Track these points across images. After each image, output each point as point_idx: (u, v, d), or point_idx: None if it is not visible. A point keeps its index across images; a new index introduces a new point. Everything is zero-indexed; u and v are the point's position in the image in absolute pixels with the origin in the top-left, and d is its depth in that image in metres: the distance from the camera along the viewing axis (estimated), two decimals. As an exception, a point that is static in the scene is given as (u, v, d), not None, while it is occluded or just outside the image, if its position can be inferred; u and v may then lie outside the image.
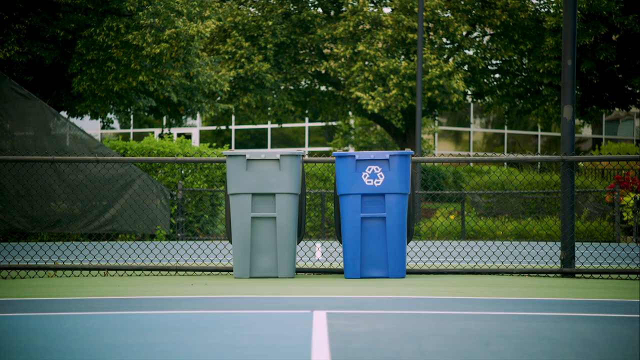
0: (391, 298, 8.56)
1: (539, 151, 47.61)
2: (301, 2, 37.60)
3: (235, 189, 10.83)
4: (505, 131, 48.05)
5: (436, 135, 46.20)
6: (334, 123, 43.09)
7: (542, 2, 37.14)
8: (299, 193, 10.96)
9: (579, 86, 35.35)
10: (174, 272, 11.77)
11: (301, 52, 37.49)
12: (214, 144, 33.91)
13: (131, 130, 49.55)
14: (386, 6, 37.76)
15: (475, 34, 38.75)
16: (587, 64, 33.98)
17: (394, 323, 6.56)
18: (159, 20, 25.23)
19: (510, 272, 11.41)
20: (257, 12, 37.24)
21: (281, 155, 10.81)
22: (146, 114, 31.59)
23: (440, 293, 8.97)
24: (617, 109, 41.16)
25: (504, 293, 9.11)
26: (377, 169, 10.76)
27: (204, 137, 48.21)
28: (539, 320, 6.82)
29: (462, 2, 36.48)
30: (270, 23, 36.04)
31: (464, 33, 37.26)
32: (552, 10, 35.59)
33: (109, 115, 30.76)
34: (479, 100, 40.34)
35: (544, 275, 11.34)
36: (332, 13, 38.22)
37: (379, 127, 44.06)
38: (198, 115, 37.95)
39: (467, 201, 29.02)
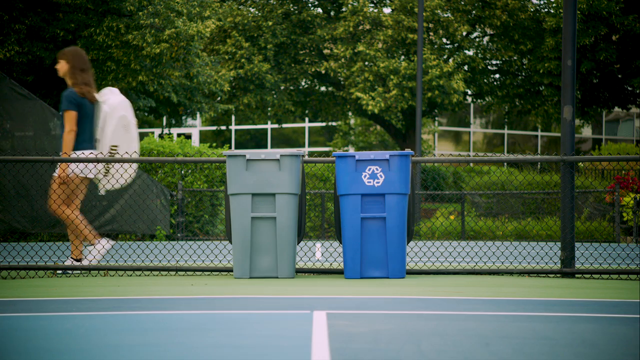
0: (391, 298, 8.56)
1: (539, 151, 47.62)
2: (301, 2, 37.60)
3: (235, 189, 10.83)
4: (505, 131, 48.05)
5: (436, 135, 46.21)
6: (334, 123, 43.10)
7: (542, 2, 37.15)
8: (299, 193, 10.96)
9: (579, 86, 35.36)
10: (174, 272, 11.77)
11: (301, 52, 37.49)
12: (214, 144, 33.92)
13: (131, 131, 49.51)
14: (386, 6, 37.76)
15: (475, 34, 38.76)
16: (587, 64, 33.98)
17: (394, 323, 6.56)
18: (159, 20, 25.23)
19: (510, 272, 11.41)
20: (257, 12, 37.26)
21: (281, 155, 10.81)
22: (146, 114, 31.59)
23: (440, 293, 8.97)
24: (617, 109, 41.17)
25: (504, 293, 9.11)
26: (377, 169, 10.76)
27: (204, 137, 48.21)
28: (538, 320, 6.82)
29: (462, 3, 36.48)
30: (270, 23, 36.04)
31: (464, 33, 37.27)
32: (552, 11, 35.60)
33: (109, 116, 30.72)
34: (479, 101, 40.35)
35: (544, 275, 11.34)
36: (332, 13, 38.23)
37: (379, 127, 44.07)
38: (198, 115, 37.96)
39: (467, 201, 29.02)
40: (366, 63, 35.94)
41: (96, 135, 11.56)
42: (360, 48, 35.23)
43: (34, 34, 25.39)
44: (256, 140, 48.73)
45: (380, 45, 36.04)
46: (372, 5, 37.46)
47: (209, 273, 11.74)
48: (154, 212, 21.45)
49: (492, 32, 38.21)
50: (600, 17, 33.41)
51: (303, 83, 38.80)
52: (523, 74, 37.73)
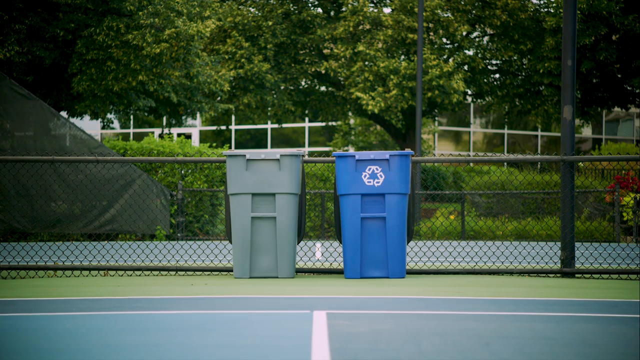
0: (391, 298, 8.56)
1: (539, 151, 47.63)
2: (301, 2, 37.60)
3: (235, 189, 10.83)
4: (505, 131, 48.05)
5: (436, 135, 46.21)
6: (334, 123, 43.09)
7: (542, 2, 37.14)
8: (299, 193, 10.96)
9: (579, 86, 35.36)
10: (174, 272, 11.77)
11: (301, 52, 37.49)
12: (214, 144, 33.91)
13: (131, 130, 49.56)
14: (386, 6, 37.76)
15: (475, 34, 38.75)
16: (587, 64, 33.98)
17: (394, 323, 6.56)
18: (159, 20, 25.23)
19: (510, 272, 11.41)
20: (257, 12, 37.25)
21: (281, 155, 10.81)
22: (146, 114, 31.60)
23: (440, 293, 8.97)
24: (617, 109, 41.17)
25: (504, 293, 9.11)
26: (377, 169, 10.76)
27: (204, 137, 48.21)
28: (539, 320, 6.82)
29: (462, 2, 36.47)
30: (270, 23, 36.03)
31: (464, 33, 37.26)
32: (552, 10, 35.59)
33: (108, 115, 30.76)
34: (479, 101, 40.34)
35: (544, 275, 11.34)
36: (332, 13, 38.23)
37: (379, 127, 44.08)
38: (198, 115, 37.96)
39: (467, 201, 29.02)
40: (366, 63, 35.94)
41: None
42: (360, 48, 35.22)
43: (34, 34, 25.38)
44: (256, 140, 48.73)
45: (380, 45, 36.03)
46: (372, 5, 37.46)
47: (209, 273, 11.74)
48: (154, 212, 21.45)
49: (492, 32, 38.20)
50: (600, 17, 33.41)
51: (303, 83, 38.79)
52: (523, 73, 37.72)
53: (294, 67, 37.33)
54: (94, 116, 29.06)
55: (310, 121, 46.73)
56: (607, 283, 10.48)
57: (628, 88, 36.35)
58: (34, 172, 17.93)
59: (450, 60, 37.05)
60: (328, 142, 46.78)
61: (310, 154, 42.54)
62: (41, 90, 27.00)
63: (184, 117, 34.37)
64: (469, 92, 38.90)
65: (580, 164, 30.90)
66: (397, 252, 10.74)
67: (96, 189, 19.31)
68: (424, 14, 34.74)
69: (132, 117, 44.92)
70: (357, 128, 45.74)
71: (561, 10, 33.03)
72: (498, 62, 38.14)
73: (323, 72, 37.95)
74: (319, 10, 38.27)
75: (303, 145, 47.29)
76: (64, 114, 28.82)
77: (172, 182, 24.96)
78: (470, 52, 37.65)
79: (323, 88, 39.27)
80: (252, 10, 37.39)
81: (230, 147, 43.07)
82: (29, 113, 20.15)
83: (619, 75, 35.73)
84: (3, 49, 24.44)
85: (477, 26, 37.93)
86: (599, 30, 33.29)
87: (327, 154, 43.84)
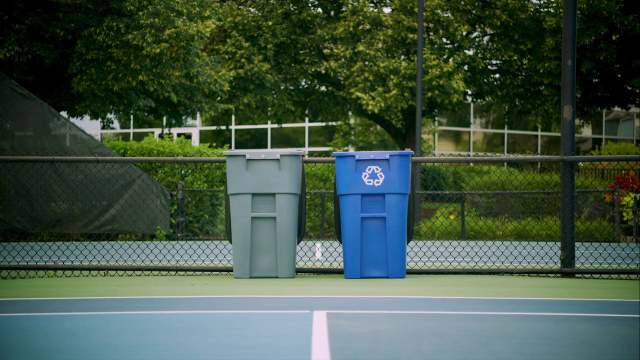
0: (391, 298, 8.56)
1: (539, 151, 47.62)
2: (301, 2, 37.60)
3: (235, 189, 10.83)
4: (505, 131, 48.05)
5: (436, 135, 46.21)
6: (334, 123, 43.09)
7: (542, 2, 37.14)
8: (299, 193, 10.96)
9: (579, 86, 35.36)
10: (174, 272, 11.77)
11: (301, 52, 37.49)
12: (214, 144, 33.90)
13: (131, 130, 49.56)
14: (386, 6, 37.75)
15: (475, 34, 38.75)
16: (587, 64, 33.98)
17: (394, 323, 6.56)
18: (159, 20, 25.23)
19: (510, 272, 11.41)
20: (257, 12, 37.25)
21: (281, 155, 10.81)
22: (146, 114, 31.60)
23: (440, 293, 8.97)
24: (617, 109, 41.17)
25: (504, 293, 9.11)
26: (377, 169, 10.76)
27: (204, 137, 48.22)
28: (539, 320, 6.82)
29: (462, 2, 36.47)
30: (270, 23, 36.04)
31: (464, 33, 37.27)
32: (552, 10, 35.59)
33: (108, 115, 30.76)
34: (479, 101, 40.34)
35: (544, 275, 11.34)
36: (332, 13, 38.23)
37: (379, 127, 44.08)
38: (198, 115, 37.96)
39: (467, 201, 29.02)
40: (366, 63, 35.93)
41: None
42: (360, 48, 35.22)
43: (34, 33, 25.38)
44: (256, 140, 48.73)
45: (380, 45, 36.02)
46: (372, 5, 37.46)
47: (209, 273, 11.74)
48: (154, 212, 21.45)
49: (492, 32, 38.20)
50: (600, 17, 33.41)
51: (303, 83, 38.79)
52: (523, 73, 37.72)
53: (294, 67, 37.33)
54: (94, 116, 29.06)
55: (310, 121, 46.74)
56: (607, 283, 10.48)
57: (628, 88, 36.35)
58: (34, 172, 17.93)
59: (450, 60, 37.05)
60: (328, 142, 46.79)
61: (310, 154, 42.55)
62: (41, 90, 27.00)
63: (184, 117, 34.38)
64: (469, 92, 38.90)
65: (580, 164, 30.90)
66: (397, 252, 10.74)
67: (96, 189, 19.31)
68: (424, 14, 34.74)
69: (132, 117, 44.93)
70: (357, 128, 45.74)
71: (561, 10, 33.03)
72: (498, 62, 38.14)
73: (323, 72, 37.95)
74: (319, 10, 38.27)
75: (303, 145, 47.30)
76: (64, 114, 28.82)
77: (172, 182, 24.96)
78: (470, 52, 37.65)
79: (323, 88, 39.27)
80: (252, 10, 37.39)
81: (230, 147, 43.07)
82: (29, 113, 20.15)
83: (619, 75, 35.73)
84: (3, 49, 24.44)
85: (477, 26, 37.92)
86: (599, 30, 33.30)
87: (327, 154, 43.84)
